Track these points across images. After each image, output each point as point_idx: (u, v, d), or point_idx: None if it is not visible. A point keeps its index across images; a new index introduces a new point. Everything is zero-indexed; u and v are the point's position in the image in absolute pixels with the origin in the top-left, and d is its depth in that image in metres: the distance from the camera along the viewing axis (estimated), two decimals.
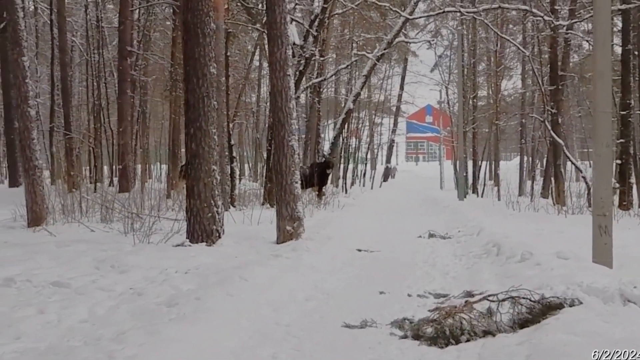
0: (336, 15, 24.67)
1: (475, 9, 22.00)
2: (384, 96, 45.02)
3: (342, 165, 35.01)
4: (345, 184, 30.96)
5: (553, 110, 19.66)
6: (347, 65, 25.11)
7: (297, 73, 18.16)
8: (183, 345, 4.59)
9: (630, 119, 17.63)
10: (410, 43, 31.06)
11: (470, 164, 31.88)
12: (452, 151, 35.98)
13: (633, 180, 18.49)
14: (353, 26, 29.93)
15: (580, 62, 29.32)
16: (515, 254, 8.15)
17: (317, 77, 27.15)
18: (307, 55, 18.09)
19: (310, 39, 19.43)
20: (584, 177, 18.78)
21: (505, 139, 44.44)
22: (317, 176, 18.43)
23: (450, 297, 6.75)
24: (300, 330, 5.51)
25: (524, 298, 5.49)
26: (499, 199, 22.80)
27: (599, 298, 5.84)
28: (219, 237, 9.58)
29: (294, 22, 18.18)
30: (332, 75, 24.22)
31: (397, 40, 25.18)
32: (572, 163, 19.89)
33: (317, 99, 28.45)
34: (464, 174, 27.76)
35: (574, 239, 9.94)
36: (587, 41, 23.60)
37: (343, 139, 35.58)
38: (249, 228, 11.80)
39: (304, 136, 30.43)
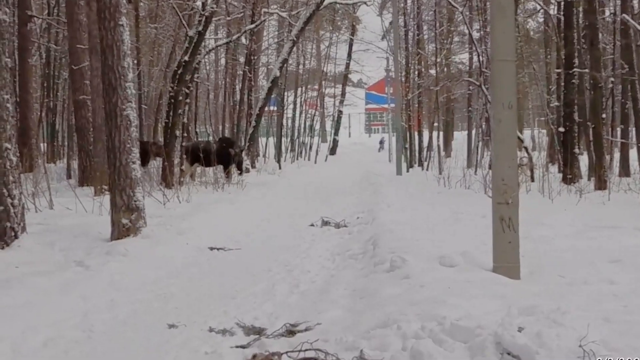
0: None
1: None
2: (332, 65, 42.77)
3: (283, 139, 32.56)
4: (279, 158, 28.46)
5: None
6: (256, 26, 22.44)
7: (197, 34, 15.75)
8: None
9: (573, 80, 15.24)
10: (347, 5, 28.76)
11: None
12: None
13: (580, 150, 16.21)
14: None
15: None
16: (385, 259, 5.92)
17: (250, 43, 24.99)
18: (207, 14, 15.56)
19: None
20: (525, 148, 16.74)
21: (461, 108, 42.18)
22: (219, 154, 16.04)
23: (262, 337, 4.52)
24: None
25: None
26: (440, 173, 20.62)
27: (466, 346, 3.72)
28: (15, 237, 7.21)
29: None
30: (237, 38, 21.58)
31: (327, 1, 22.96)
32: None
33: (246, 67, 26.16)
34: (405, 146, 25.44)
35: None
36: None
37: (283, 110, 33.34)
38: (95, 219, 9.42)
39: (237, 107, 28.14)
